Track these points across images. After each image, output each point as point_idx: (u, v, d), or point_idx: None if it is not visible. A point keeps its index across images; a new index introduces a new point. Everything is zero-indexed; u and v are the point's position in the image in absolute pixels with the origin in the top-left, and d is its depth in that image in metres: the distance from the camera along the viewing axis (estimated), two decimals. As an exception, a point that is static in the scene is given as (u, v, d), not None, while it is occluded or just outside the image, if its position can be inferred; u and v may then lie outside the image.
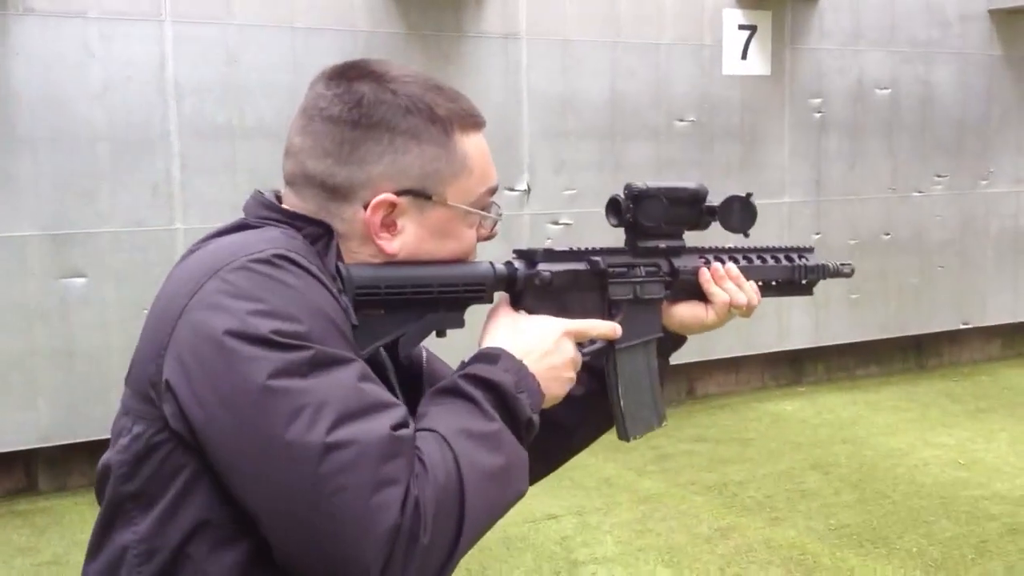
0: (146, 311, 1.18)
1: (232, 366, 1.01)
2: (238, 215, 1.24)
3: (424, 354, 1.34)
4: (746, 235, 1.44)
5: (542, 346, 1.21)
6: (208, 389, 1.02)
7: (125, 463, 1.09)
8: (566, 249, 1.33)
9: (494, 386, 1.14)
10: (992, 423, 5.68)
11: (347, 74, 1.19)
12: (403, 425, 1.05)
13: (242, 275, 1.06)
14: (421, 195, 1.18)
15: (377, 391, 1.06)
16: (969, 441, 5.32)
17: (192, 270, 1.11)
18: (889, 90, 6.84)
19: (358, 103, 1.16)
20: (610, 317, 1.34)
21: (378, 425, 1.02)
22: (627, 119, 5.90)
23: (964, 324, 7.15)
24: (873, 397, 6.30)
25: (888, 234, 6.76)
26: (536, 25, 5.65)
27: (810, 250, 1.54)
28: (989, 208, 7.21)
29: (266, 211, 1.20)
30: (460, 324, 1.23)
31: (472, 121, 1.22)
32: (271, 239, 1.12)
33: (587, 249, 1.35)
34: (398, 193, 1.17)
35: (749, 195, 1.43)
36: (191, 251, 1.18)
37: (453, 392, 1.14)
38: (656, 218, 1.36)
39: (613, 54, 5.88)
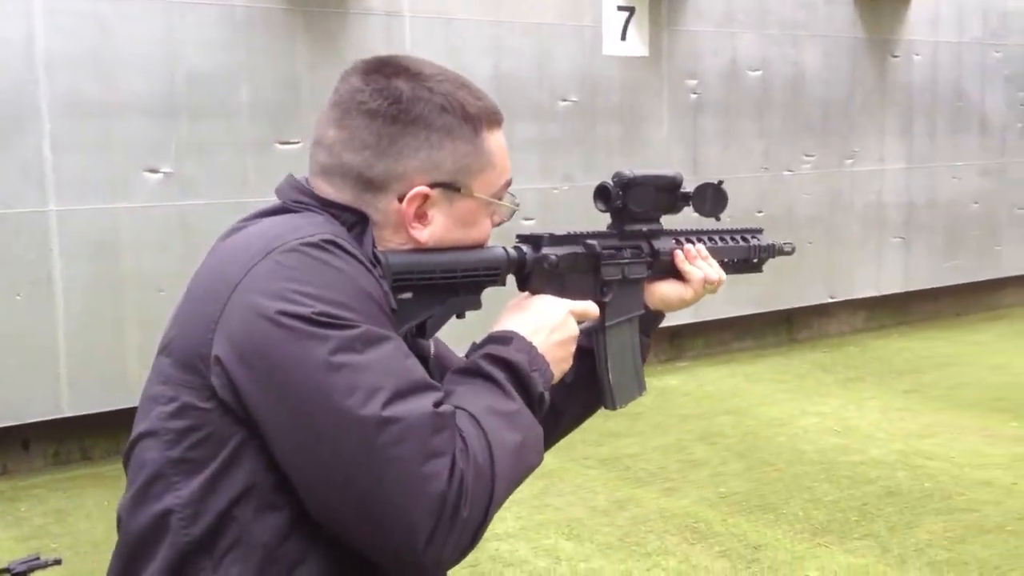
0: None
1: (287, 344, 1.06)
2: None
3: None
4: (717, 219, 1.56)
5: (550, 325, 1.30)
6: (262, 367, 1.07)
7: (171, 431, 1.14)
8: (564, 233, 1.41)
9: (512, 366, 1.22)
10: (862, 392, 5.93)
11: (383, 70, 1.24)
12: (442, 401, 1.12)
13: (294, 257, 1.11)
14: (451, 188, 1.25)
15: (420, 369, 1.14)
16: (843, 409, 5.55)
17: (241, 249, 1.15)
18: (760, 72, 7.04)
19: (397, 99, 1.22)
20: (602, 296, 1.44)
21: (426, 401, 1.09)
22: (512, 98, 5.91)
23: (831, 298, 7.44)
24: (750, 369, 6.51)
25: (761, 211, 6.96)
26: (419, 3, 5.60)
27: (760, 231, 1.68)
28: (854, 186, 7.50)
29: (303, 196, 1.24)
30: (478, 306, 1.31)
31: (497, 119, 1.29)
32: (318, 224, 1.17)
33: (582, 233, 1.43)
34: (431, 186, 1.23)
35: (720, 182, 1.55)
36: (236, 229, 1.23)
37: (477, 372, 1.21)
38: (645, 204, 1.47)
39: (497, 33, 5.88)
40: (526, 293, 1.36)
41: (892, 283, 7.79)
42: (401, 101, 1.21)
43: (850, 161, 7.48)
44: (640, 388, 1.52)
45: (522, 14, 5.96)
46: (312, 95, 5.26)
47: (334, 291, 1.09)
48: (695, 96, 6.74)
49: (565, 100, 6.15)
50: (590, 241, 1.42)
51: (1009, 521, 3.96)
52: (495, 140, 1.28)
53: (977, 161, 8.24)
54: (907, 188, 7.83)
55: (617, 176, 1.46)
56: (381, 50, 5.52)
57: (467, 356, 1.28)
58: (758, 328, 7.21)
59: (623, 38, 6.47)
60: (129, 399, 4.93)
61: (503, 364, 1.21)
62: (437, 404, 1.10)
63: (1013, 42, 8.36)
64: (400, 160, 1.22)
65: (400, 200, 1.23)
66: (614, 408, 1.49)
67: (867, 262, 7.62)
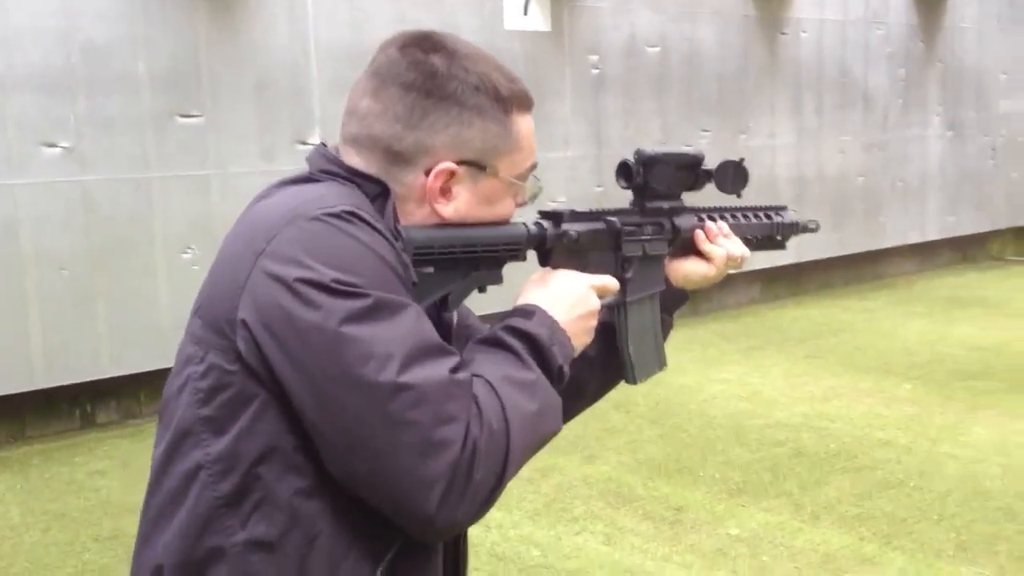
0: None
1: (304, 311, 1.09)
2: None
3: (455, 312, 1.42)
4: (739, 196, 1.58)
5: (571, 299, 1.32)
6: (282, 332, 1.10)
7: (201, 390, 1.16)
8: (586, 210, 1.43)
9: (532, 338, 1.24)
10: (764, 359, 6.11)
11: (422, 45, 1.25)
12: (459, 368, 1.15)
13: (315, 226, 1.13)
14: (477, 166, 1.26)
15: (434, 335, 1.15)
16: (747, 376, 5.72)
17: (265, 216, 1.18)
18: (658, 48, 7.15)
19: (432, 74, 1.23)
20: (623, 272, 1.46)
21: (441, 367, 1.12)
22: (416, 72, 5.88)
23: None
24: (654, 341, 6.62)
25: (661, 186, 7.07)
26: (322, -25, 5.52)
27: (784, 208, 1.71)
28: (749, 161, 7.65)
29: (331, 165, 1.25)
30: (499, 280, 1.33)
31: (528, 103, 1.31)
32: (342, 194, 1.19)
33: (603, 210, 1.45)
34: (458, 163, 1.25)
35: (741, 160, 1.57)
36: (261, 196, 1.25)
37: (496, 343, 1.23)
38: (666, 181, 1.50)
39: (399, 5, 5.83)
40: (547, 268, 1.38)
41: (785, 255, 8.02)
42: (436, 76, 1.23)
43: (744, 136, 7.66)
44: (661, 364, 1.54)
45: (425, -12, 5.92)
46: (212, 67, 5.14)
47: (352, 260, 1.11)
48: (596, 72, 6.81)
49: (470, 75, 6.14)
50: (610, 218, 1.44)
51: (911, 477, 4.15)
52: (525, 123, 1.30)
53: (862, 136, 8.54)
54: (797, 162, 8.07)
55: (638, 153, 1.48)
56: (283, 23, 5.45)
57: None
58: (659, 300, 7.34)
59: (525, 13, 6.50)
60: (30, 382, 4.78)
61: (523, 336, 1.24)
62: (454, 370, 1.13)
63: (893, 20, 8.68)
64: (430, 134, 1.23)
65: (427, 174, 1.24)
66: (635, 383, 1.51)
67: (761, 234, 7.82)
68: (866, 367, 5.87)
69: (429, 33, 1.27)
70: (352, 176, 1.23)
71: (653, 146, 1.50)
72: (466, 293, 1.31)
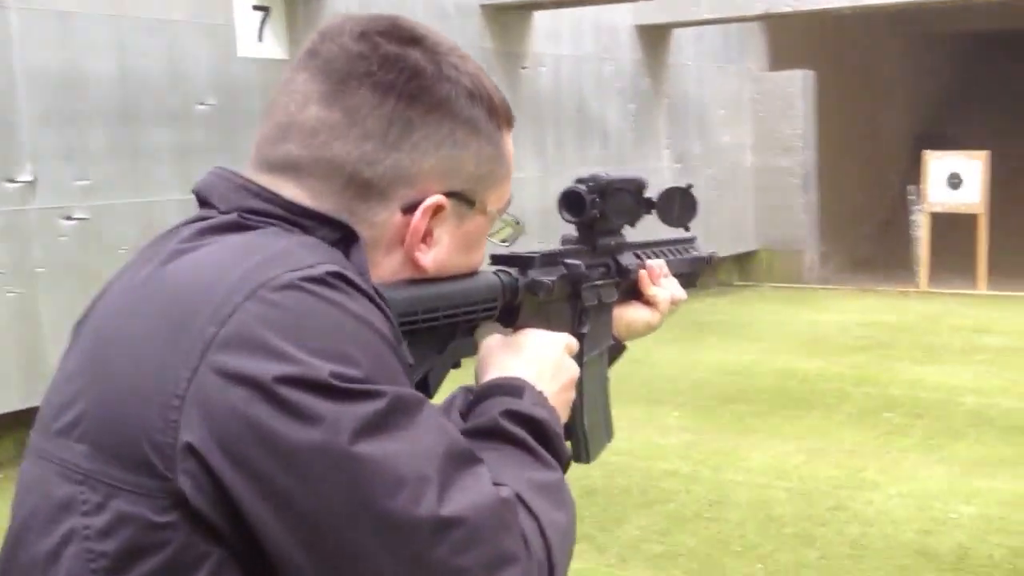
0: None
1: (295, 426, 0.75)
2: None
3: None
4: (687, 229, 1.34)
5: (552, 368, 1.04)
6: (261, 458, 0.75)
7: (103, 555, 0.77)
8: (534, 252, 1.13)
9: (536, 423, 0.95)
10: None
11: (393, 33, 0.91)
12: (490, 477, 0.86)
13: (294, 297, 0.79)
14: (466, 200, 0.95)
15: (458, 434, 0.86)
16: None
17: (196, 285, 0.80)
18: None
19: (418, 73, 0.90)
20: (580, 327, 1.19)
21: (482, 482, 0.82)
22: (142, 101, 5.29)
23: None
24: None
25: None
26: (28, -9, 4.85)
27: (695, 239, 1.46)
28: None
29: (264, 203, 0.88)
30: (474, 350, 1.05)
31: (511, 118, 1.01)
32: (313, 247, 0.84)
33: (554, 250, 1.17)
34: (446, 195, 0.93)
35: (689, 186, 1.31)
36: (177, 252, 0.85)
37: (499, 434, 0.93)
38: (625, 213, 1.24)
39: (119, 29, 5.23)
40: (506, 329, 1.10)
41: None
42: (423, 76, 0.90)
43: (490, 170, 7.52)
44: (610, 435, 1.29)
45: (146, 9, 5.36)
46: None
47: (350, 344, 0.79)
48: (338, 103, 6.44)
49: (202, 104, 5.61)
50: (571, 261, 1.17)
51: (703, 508, 4.03)
52: (510, 145, 1.00)
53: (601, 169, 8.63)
54: (542, 194, 8.02)
55: (593, 180, 1.21)
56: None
57: (458, 406, 1.02)
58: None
59: (259, 39, 6.05)
60: None
61: (526, 422, 0.94)
62: (496, 483, 0.84)
63: (622, 56, 8.86)
64: (414, 156, 0.90)
65: (404, 212, 0.91)
66: (588, 462, 1.23)
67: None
68: (634, 396, 5.78)
69: (394, 18, 0.92)
70: (299, 217, 0.87)
71: (606, 170, 1.25)
72: (446, 371, 1.02)
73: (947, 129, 10.64)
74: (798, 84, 10.10)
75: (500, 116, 0.97)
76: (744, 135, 10.34)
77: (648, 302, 1.31)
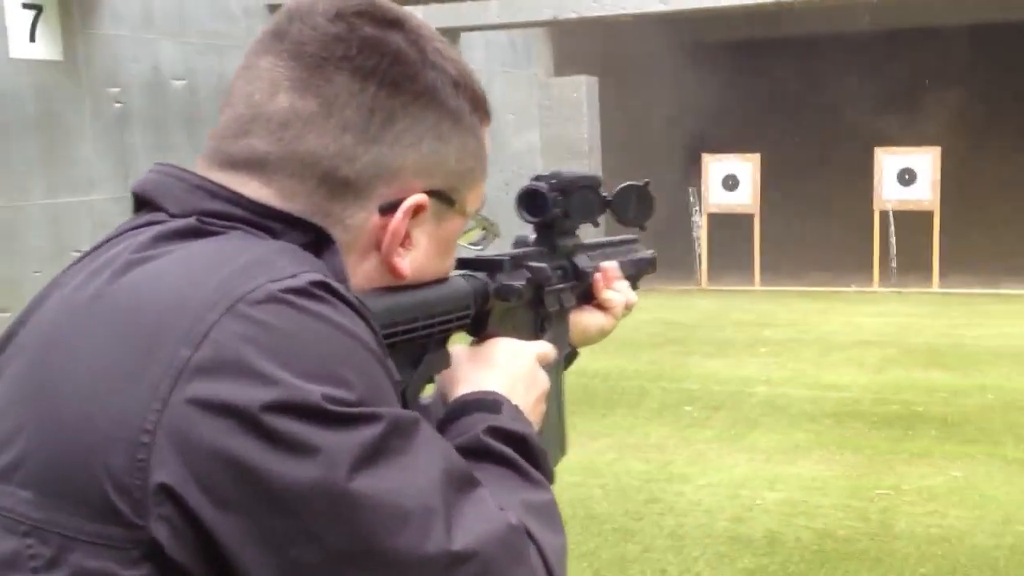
0: None
1: (287, 460, 0.67)
2: None
3: None
4: (643, 228, 1.27)
5: (525, 380, 0.97)
6: (249, 498, 0.66)
7: None
8: (496, 255, 1.06)
9: (521, 440, 0.88)
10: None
11: (373, 14, 0.82)
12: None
13: (275, 312, 0.70)
14: (446, 199, 0.87)
15: (453, 450, 0.79)
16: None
17: (169, 300, 0.70)
18: (185, 81, 6.60)
19: (400, 59, 0.81)
20: (541, 334, 1.12)
21: (488, 508, 0.76)
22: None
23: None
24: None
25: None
26: None
27: (637, 240, 1.40)
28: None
29: (226, 204, 0.78)
30: (449, 362, 0.95)
31: (491, 112, 0.93)
32: (291, 254, 0.75)
33: (519, 253, 1.10)
34: (428, 193, 0.85)
35: (646, 183, 1.25)
36: (132, 262, 0.74)
37: (486, 454, 0.86)
38: (590, 212, 1.17)
39: None
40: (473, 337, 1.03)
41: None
42: (407, 63, 0.81)
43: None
44: (563, 450, 1.20)
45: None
46: None
47: (344, 364, 0.70)
48: (119, 106, 6.10)
49: (-30, 108, 5.19)
50: (535, 264, 1.09)
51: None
52: (489, 142, 0.93)
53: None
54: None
55: (555, 177, 1.14)
56: None
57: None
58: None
59: (32, 39, 5.65)
60: None
61: (512, 439, 0.87)
62: (502, 507, 0.77)
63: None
64: (396, 150, 0.82)
65: (383, 212, 0.83)
66: None
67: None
68: (441, 403, 5.76)
69: None
70: (265, 219, 0.78)
71: (566, 168, 1.18)
72: (422, 386, 0.93)
73: (722, 132, 11.18)
74: (583, 90, 10.37)
75: (482, 109, 0.90)
76: (533, 140, 10.52)
77: (602, 306, 1.24)
